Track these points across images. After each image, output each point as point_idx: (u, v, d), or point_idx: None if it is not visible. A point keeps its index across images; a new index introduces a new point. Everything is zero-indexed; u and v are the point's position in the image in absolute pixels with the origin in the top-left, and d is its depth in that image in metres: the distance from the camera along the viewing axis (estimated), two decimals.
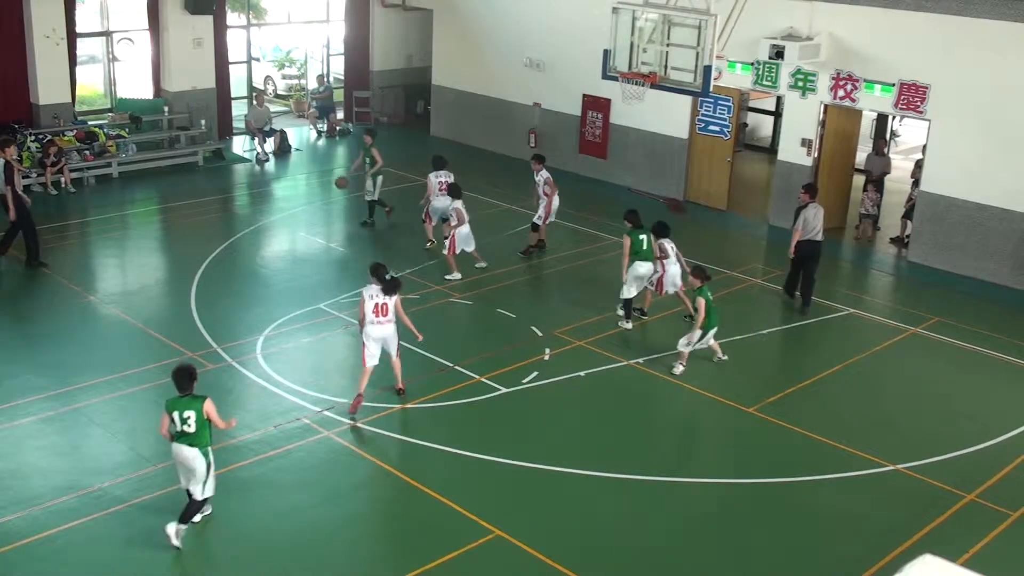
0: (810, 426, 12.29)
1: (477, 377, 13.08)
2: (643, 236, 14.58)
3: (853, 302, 16.34)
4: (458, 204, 16.35)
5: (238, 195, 21.74)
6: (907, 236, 19.00)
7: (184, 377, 9.50)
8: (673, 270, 14.78)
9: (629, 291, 14.71)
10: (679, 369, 13.47)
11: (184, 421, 9.39)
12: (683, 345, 13.52)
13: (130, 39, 26.72)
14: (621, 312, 14.92)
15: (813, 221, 15.52)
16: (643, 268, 14.58)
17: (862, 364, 14.34)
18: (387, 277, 12.00)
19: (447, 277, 16.36)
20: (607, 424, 12.33)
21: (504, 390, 12.83)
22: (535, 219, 17.68)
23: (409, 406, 12.37)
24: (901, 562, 8.46)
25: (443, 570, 9.41)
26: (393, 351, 12.25)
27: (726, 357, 13.81)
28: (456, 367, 13.40)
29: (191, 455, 9.48)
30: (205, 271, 16.50)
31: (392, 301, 11.94)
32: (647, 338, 14.67)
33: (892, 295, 17.30)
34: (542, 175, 17.44)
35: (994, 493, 11.03)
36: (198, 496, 9.63)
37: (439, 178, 17.45)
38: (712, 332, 13.51)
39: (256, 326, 14.49)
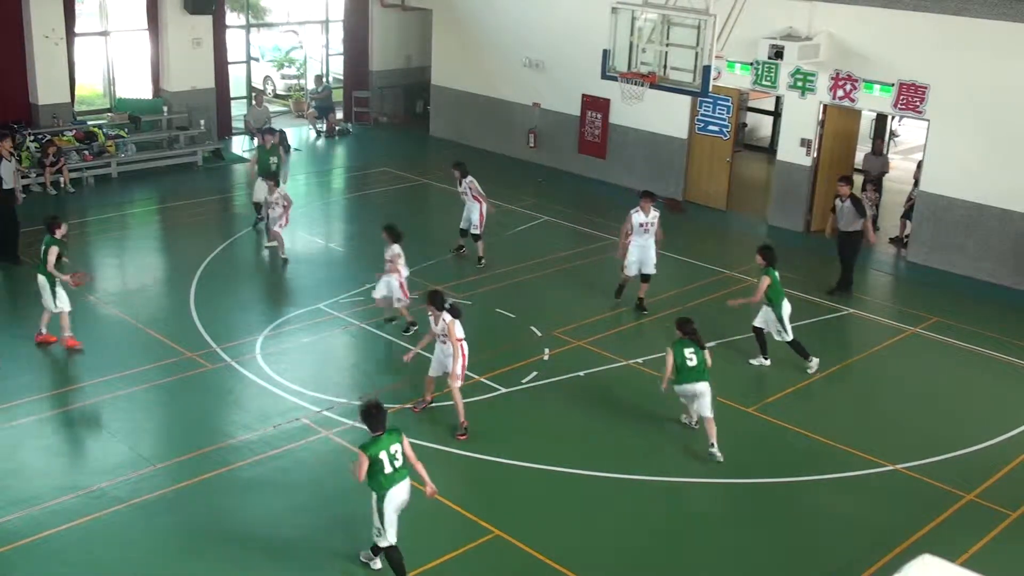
0: (809, 426, 12.29)
1: (476, 377, 13.06)
2: (776, 273, 13.52)
3: (852, 302, 16.33)
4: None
5: (237, 195, 21.72)
6: (906, 236, 19.01)
7: (380, 415, 8.84)
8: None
9: (789, 333, 13.55)
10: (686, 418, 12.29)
11: (393, 457, 8.82)
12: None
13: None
14: (810, 364, 13.74)
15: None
16: (789, 306, 13.55)
17: (861, 364, 14.35)
18: (447, 304, 11.65)
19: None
20: (607, 424, 12.32)
21: (503, 390, 12.83)
22: (650, 270, 15.41)
23: (408, 406, 12.36)
24: (900, 562, 8.47)
25: (443, 570, 9.41)
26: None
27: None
28: None
29: (409, 483, 9.01)
30: (204, 271, 16.50)
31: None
32: (646, 338, 14.65)
33: (891, 295, 17.30)
34: (654, 214, 15.25)
35: (993, 493, 11.03)
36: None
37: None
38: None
39: (255, 326, 14.49)
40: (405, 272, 14.25)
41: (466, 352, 11.71)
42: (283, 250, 17.12)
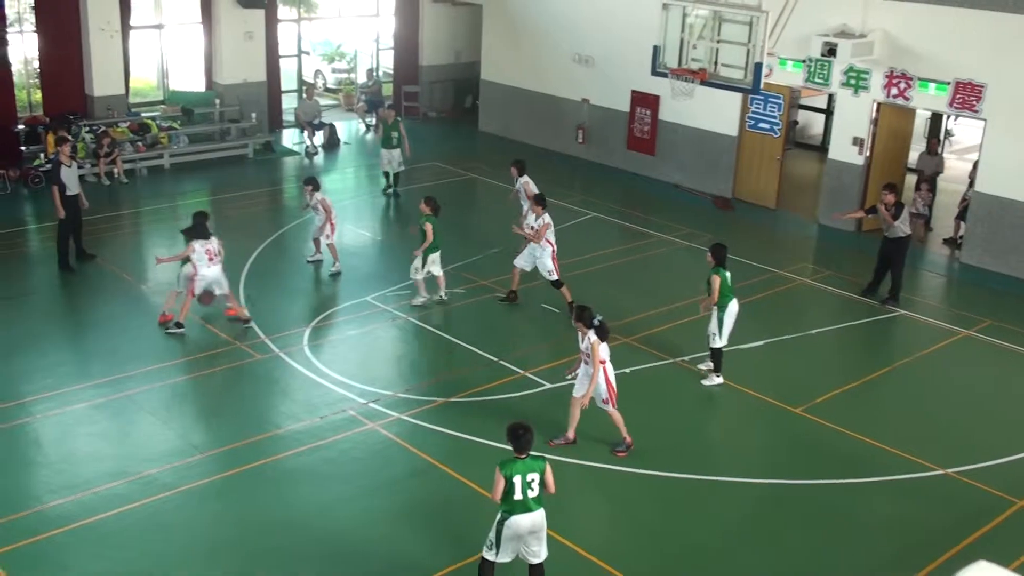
0: (858, 428, 12.14)
1: (521, 372, 13.07)
2: (727, 274, 12.87)
3: (904, 303, 16.08)
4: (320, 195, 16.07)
5: (287, 188, 21.91)
6: (960, 237, 18.72)
7: (526, 436, 8.37)
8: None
9: (723, 339, 12.95)
10: (419, 300, 14.98)
11: (528, 485, 8.32)
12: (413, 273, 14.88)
13: None
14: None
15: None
16: (736, 309, 12.89)
17: (912, 366, 14.15)
18: (595, 322, 10.92)
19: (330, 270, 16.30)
20: (651, 422, 12.25)
21: (548, 385, 12.80)
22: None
23: (454, 400, 12.40)
24: (952, 567, 8.35)
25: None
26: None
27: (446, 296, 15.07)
28: (500, 361, 13.40)
29: (541, 518, 8.49)
30: (254, 263, 16.65)
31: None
32: (692, 336, 14.54)
33: (944, 297, 17.04)
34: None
35: None
36: (543, 556, 8.67)
37: (207, 246, 13.88)
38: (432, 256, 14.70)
39: (303, 318, 14.61)
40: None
41: (611, 376, 11.12)
42: (336, 262, 16.21)
